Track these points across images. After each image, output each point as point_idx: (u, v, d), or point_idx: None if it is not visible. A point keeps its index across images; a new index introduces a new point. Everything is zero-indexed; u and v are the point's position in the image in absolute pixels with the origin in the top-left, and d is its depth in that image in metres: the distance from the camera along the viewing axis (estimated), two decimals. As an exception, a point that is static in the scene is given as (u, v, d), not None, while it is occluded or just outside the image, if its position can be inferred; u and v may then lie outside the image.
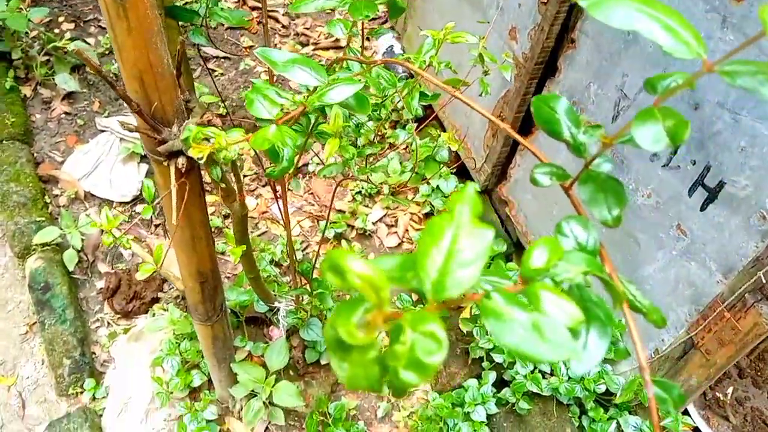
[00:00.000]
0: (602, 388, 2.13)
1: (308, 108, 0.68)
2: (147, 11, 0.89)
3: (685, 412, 2.17)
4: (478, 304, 0.41)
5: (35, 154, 2.85)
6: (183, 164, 1.06)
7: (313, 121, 1.26)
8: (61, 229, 2.49)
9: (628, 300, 0.52)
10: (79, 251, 2.51)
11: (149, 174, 2.84)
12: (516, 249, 2.77)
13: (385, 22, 3.83)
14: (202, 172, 1.26)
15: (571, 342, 0.40)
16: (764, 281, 1.68)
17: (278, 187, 1.60)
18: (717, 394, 2.39)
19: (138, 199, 2.77)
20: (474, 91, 1.53)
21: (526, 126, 2.53)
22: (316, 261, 1.91)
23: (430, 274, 0.39)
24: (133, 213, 2.74)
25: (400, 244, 2.86)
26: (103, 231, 2.69)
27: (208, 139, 0.80)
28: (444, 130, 3.06)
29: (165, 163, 1.07)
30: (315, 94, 0.68)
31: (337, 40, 3.63)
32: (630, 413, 2.16)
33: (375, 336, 0.39)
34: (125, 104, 3.09)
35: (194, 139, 0.64)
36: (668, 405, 0.49)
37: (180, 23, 1.16)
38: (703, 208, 1.78)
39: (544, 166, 0.52)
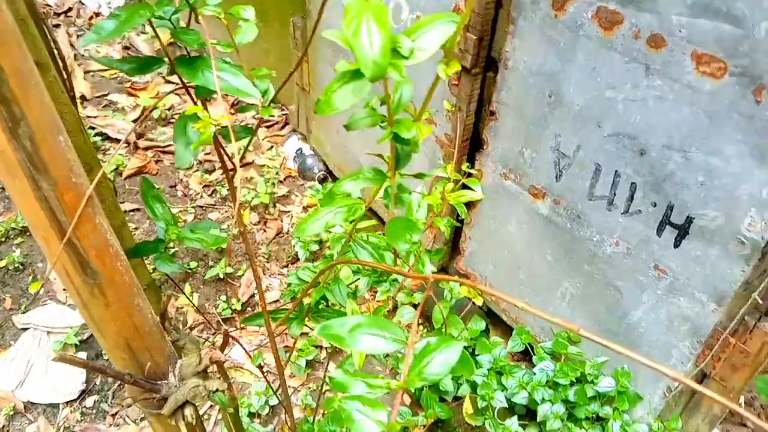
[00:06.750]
0: (629, 443, 2.07)
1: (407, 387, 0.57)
2: (124, 277, 0.76)
3: (712, 438, 2.14)
4: None
5: (-46, 378, 2.54)
6: (192, 416, 0.91)
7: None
8: (11, 457, 2.21)
9: None
10: (37, 475, 2.22)
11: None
12: (490, 318, 2.71)
13: (285, 125, 3.76)
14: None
15: None
16: (760, 302, 1.68)
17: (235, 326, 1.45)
18: (729, 405, 2.38)
19: (86, 392, 2.51)
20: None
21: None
22: (314, 417, 1.75)
23: None
24: (84, 409, 2.47)
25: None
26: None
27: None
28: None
29: (171, 420, 0.92)
30: (413, 372, 0.57)
31: (243, 157, 3.52)
32: (662, 457, 2.11)
33: None
34: (43, 293, 2.84)
35: None
36: None
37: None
38: (677, 245, 1.78)
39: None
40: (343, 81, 0.55)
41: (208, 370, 1.05)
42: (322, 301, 1.14)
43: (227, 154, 0.89)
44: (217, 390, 0.94)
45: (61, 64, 0.79)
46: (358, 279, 1.14)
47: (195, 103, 0.78)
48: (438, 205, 1.03)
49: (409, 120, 0.60)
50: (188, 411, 0.92)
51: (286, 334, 2.75)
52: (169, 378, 0.92)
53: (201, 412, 2.50)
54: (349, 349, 0.56)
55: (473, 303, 2.71)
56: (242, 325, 2.75)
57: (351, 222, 0.87)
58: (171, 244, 2.99)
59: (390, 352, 0.59)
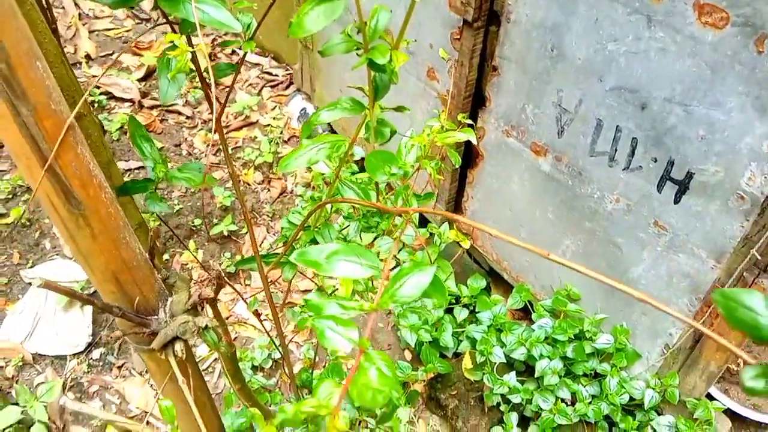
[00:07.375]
0: (626, 398, 2.09)
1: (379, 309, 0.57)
2: (109, 209, 0.77)
3: (709, 396, 2.16)
4: None
5: (-35, 329, 2.60)
6: (182, 351, 0.93)
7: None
8: (20, 405, 2.26)
9: None
10: (46, 422, 2.28)
11: (96, 319, 2.63)
12: (492, 278, 2.72)
13: (289, 85, 3.74)
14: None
15: None
16: (758, 257, 1.67)
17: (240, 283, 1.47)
18: (728, 365, 2.39)
19: (92, 345, 2.55)
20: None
21: (466, 160, 2.48)
22: (312, 369, 1.78)
23: None
24: (90, 361, 2.52)
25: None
26: (65, 389, 2.48)
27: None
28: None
29: (161, 355, 0.94)
30: (386, 294, 0.57)
31: (248, 117, 3.52)
32: (658, 414, 2.13)
33: None
34: (50, 249, 2.87)
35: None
36: None
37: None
38: (677, 201, 1.77)
39: (754, 369, 0.43)
40: (314, 3, 0.55)
41: (201, 312, 1.07)
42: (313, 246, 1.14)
43: (211, 91, 0.89)
44: (206, 327, 0.96)
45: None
46: (349, 225, 1.15)
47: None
48: (425, 146, 1.02)
49: (385, 46, 0.60)
50: (178, 346, 0.93)
51: (290, 291, 2.78)
52: (159, 314, 0.94)
53: (205, 366, 2.55)
54: (326, 274, 0.57)
55: (473, 258, 2.72)
56: (239, 268, 2.77)
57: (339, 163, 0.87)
58: (176, 201, 3.01)
59: (365, 277, 0.60)
